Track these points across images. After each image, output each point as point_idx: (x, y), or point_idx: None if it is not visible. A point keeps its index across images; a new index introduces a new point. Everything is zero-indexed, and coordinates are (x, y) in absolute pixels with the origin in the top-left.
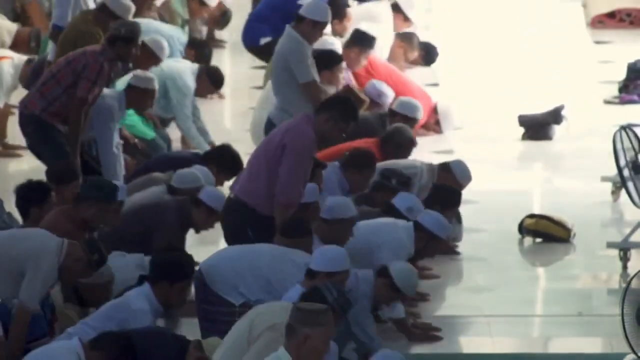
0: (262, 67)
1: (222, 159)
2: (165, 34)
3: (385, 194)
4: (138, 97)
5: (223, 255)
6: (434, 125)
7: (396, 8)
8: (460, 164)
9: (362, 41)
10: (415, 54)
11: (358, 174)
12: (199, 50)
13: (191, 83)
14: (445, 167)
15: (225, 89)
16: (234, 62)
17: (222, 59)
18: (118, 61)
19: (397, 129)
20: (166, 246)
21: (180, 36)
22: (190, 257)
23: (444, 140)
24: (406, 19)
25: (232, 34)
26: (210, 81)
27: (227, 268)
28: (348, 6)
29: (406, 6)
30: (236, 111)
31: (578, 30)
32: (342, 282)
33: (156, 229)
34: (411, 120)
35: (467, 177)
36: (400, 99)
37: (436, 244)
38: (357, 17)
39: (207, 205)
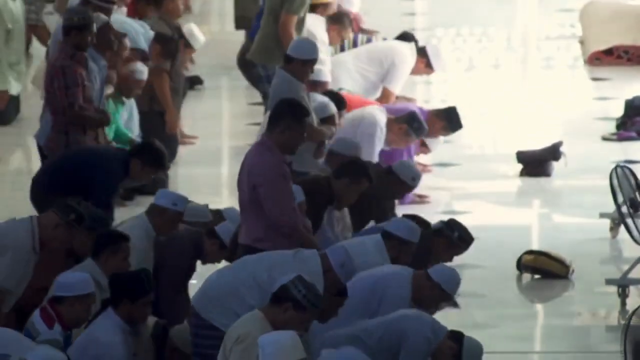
0: (259, 104)
1: (147, 154)
2: (130, 28)
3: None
4: None
5: (210, 280)
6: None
7: (422, 53)
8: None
9: None
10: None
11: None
12: (165, 45)
13: None
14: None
15: (223, 127)
16: (231, 98)
17: (219, 95)
18: (77, 51)
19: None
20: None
21: (147, 31)
22: (147, 271)
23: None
24: (429, 65)
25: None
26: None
27: (217, 289)
28: None
29: (433, 54)
30: (234, 152)
31: (576, 67)
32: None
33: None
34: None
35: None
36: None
37: (408, 249)
38: None
39: (221, 239)
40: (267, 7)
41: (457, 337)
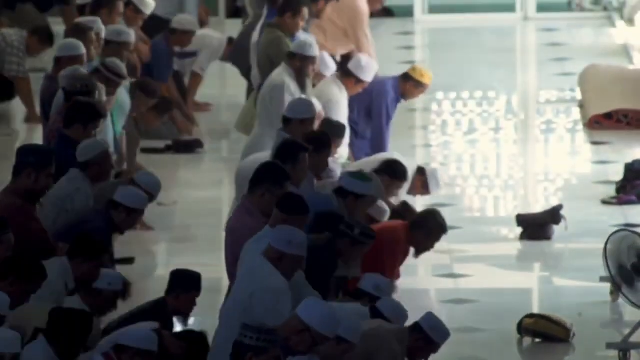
0: None
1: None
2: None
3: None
4: None
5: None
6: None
7: (420, 172)
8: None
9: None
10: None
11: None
12: (147, 89)
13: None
14: None
15: (224, 190)
16: (232, 161)
17: (221, 159)
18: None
19: (431, 213)
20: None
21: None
22: (87, 313)
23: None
24: (425, 185)
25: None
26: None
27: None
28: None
29: (431, 176)
30: None
31: (575, 131)
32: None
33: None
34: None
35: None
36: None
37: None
38: None
39: (125, 206)
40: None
41: (415, 326)
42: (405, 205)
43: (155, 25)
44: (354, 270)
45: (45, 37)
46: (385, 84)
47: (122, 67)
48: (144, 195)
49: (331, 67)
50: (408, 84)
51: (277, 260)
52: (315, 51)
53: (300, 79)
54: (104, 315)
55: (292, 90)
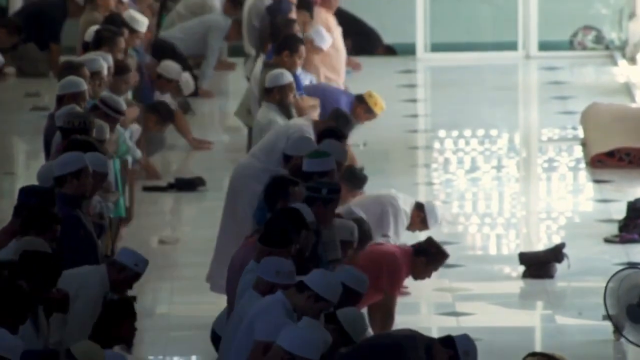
0: None
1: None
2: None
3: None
4: None
5: None
6: (420, 224)
7: (419, 208)
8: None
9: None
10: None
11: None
12: (159, 113)
13: None
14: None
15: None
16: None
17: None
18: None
19: (433, 241)
20: None
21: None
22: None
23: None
24: (424, 221)
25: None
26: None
27: None
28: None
29: (429, 211)
30: None
31: (578, 169)
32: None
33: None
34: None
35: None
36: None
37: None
38: None
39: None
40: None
41: (448, 342)
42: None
43: (162, 48)
44: (332, 253)
45: (14, 29)
46: (339, 96)
47: (121, 102)
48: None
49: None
50: (360, 107)
51: (269, 292)
52: (288, 77)
53: (284, 109)
54: (118, 292)
55: (282, 124)
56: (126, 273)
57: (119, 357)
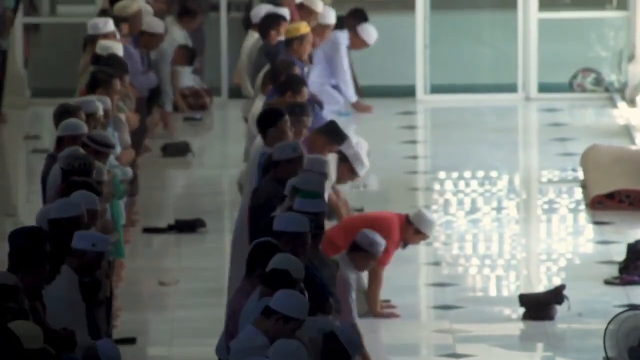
0: None
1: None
2: None
3: None
4: None
5: None
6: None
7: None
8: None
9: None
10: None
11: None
12: None
13: None
14: None
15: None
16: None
17: (222, 239)
18: None
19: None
20: None
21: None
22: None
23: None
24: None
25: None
26: None
27: None
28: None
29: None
30: None
31: (578, 211)
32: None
33: None
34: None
35: None
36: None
37: None
38: None
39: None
40: None
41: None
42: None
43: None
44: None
45: None
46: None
47: (109, 136)
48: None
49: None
50: (344, 167)
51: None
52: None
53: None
54: (88, 276)
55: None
56: (88, 257)
57: (110, 346)
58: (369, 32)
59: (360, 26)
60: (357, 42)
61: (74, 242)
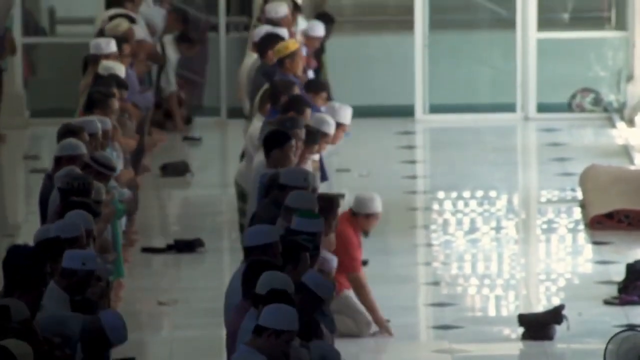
0: None
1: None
2: None
3: None
4: None
5: None
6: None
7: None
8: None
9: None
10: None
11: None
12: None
13: None
14: None
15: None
16: (233, 260)
17: (221, 259)
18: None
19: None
20: None
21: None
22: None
23: None
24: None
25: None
26: None
27: None
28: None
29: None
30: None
31: (577, 231)
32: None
33: None
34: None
35: None
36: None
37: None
38: None
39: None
40: None
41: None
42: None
43: None
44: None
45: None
46: None
47: (111, 158)
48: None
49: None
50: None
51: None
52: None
53: None
54: (79, 295)
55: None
56: (78, 276)
57: (113, 315)
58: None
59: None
60: (309, 42)
61: (64, 262)
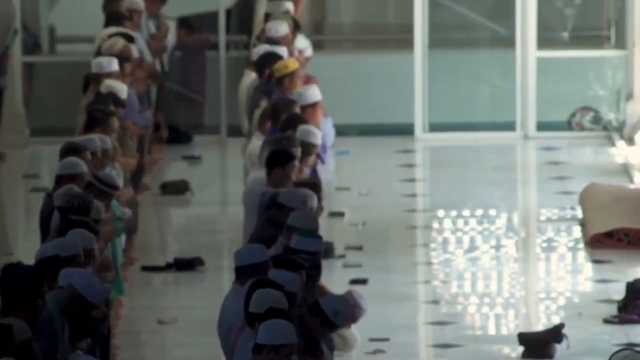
0: None
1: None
2: None
3: None
4: None
5: None
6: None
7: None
8: None
9: None
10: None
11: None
12: None
13: None
14: None
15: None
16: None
17: (221, 277)
18: None
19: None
20: None
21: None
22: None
23: None
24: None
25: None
26: None
27: None
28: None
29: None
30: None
31: (576, 249)
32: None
33: None
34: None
35: None
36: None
37: None
38: None
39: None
40: None
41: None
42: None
43: None
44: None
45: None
46: None
47: (115, 177)
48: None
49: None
50: None
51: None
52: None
53: None
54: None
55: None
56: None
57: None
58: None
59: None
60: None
61: (60, 280)
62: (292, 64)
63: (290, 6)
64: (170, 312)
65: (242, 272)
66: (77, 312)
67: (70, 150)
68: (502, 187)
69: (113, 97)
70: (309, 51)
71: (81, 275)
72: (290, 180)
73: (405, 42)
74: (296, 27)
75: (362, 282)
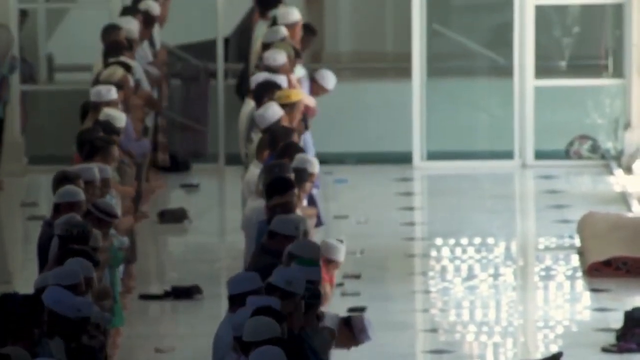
0: None
1: None
2: None
3: None
4: None
5: None
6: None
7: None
8: None
9: None
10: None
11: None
12: None
13: None
14: None
15: None
16: None
17: (219, 305)
18: None
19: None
20: None
21: None
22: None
23: None
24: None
25: None
26: None
27: None
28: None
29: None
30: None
31: (574, 278)
32: None
33: None
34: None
35: None
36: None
37: None
38: None
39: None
40: None
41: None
42: None
43: None
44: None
45: None
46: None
47: (113, 206)
48: None
49: (332, 81)
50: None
51: None
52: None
53: None
54: (74, 342)
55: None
56: (73, 322)
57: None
58: (326, 77)
59: (317, 73)
60: (316, 90)
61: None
62: (295, 96)
63: (285, 32)
64: (168, 340)
65: (235, 300)
66: (59, 331)
67: (63, 178)
68: (500, 215)
69: (107, 125)
70: (329, 82)
71: (50, 291)
72: (291, 207)
73: (403, 70)
74: (297, 55)
75: (361, 310)
